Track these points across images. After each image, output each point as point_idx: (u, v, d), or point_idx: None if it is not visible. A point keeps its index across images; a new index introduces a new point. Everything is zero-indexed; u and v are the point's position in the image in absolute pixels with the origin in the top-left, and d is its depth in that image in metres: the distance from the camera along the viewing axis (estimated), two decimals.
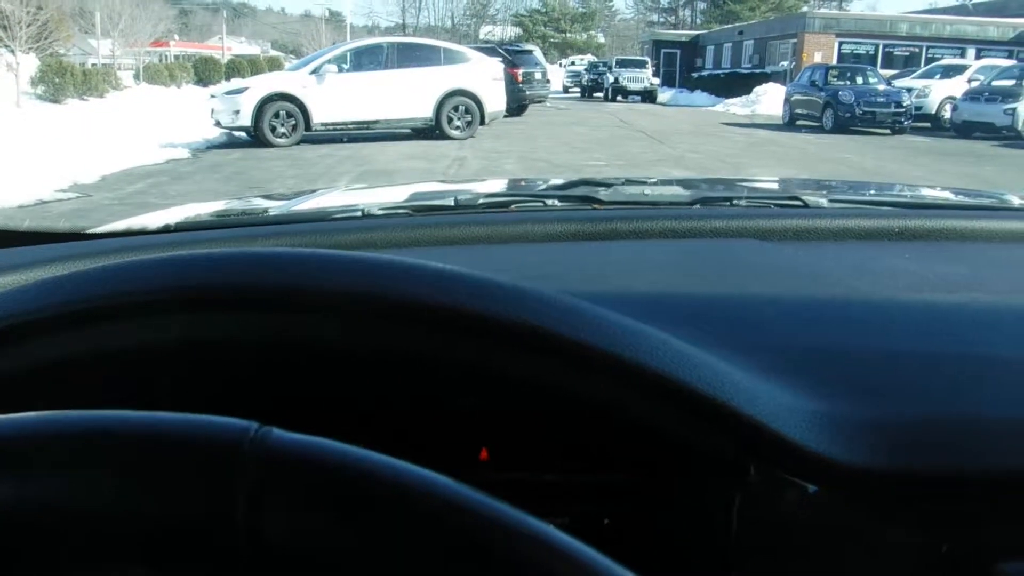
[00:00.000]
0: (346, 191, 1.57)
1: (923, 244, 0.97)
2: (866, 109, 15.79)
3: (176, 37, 52.33)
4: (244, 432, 0.32)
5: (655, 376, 0.50)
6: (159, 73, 30.24)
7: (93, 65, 27.23)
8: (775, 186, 1.74)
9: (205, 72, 31.75)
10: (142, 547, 0.31)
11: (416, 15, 67.23)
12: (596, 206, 1.06)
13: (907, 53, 25.39)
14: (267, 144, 11.66)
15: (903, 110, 15.93)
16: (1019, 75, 16.20)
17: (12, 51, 18.98)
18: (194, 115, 14.11)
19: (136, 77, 29.25)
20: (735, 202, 1.13)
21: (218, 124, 12.19)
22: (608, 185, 1.25)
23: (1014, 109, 15.07)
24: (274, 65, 34.69)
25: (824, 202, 1.12)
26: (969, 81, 17.65)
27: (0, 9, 19.23)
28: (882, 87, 16.71)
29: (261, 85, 12.35)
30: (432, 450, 0.55)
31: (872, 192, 1.55)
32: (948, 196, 1.43)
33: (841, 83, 16.85)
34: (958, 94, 16.78)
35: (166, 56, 43.03)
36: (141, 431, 0.33)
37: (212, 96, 12.91)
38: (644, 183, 1.41)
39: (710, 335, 0.60)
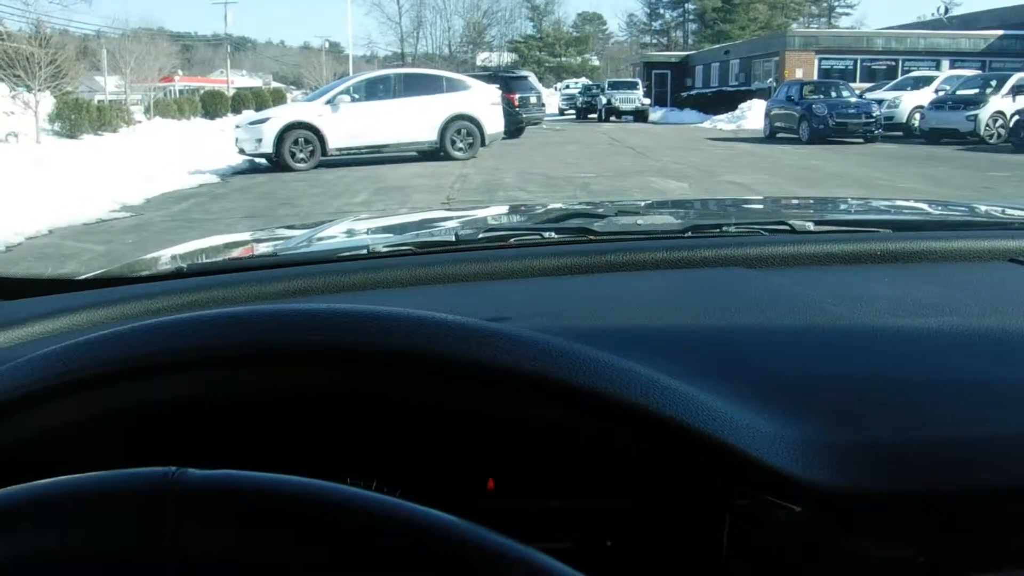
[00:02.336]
0: (357, 220, 1.64)
1: (903, 267, 1.01)
2: (838, 120, 17.08)
3: (180, 72, 53.74)
4: (165, 475, 0.39)
5: (644, 413, 0.55)
6: (168, 107, 31.42)
7: (100, 101, 28.27)
8: (763, 207, 1.78)
9: (212, 105, 32.98)
10: None
11: (415, 44, 68.96)
12: (591, 237, 1.11)
13: (884, 67, 26.72)
14: (287, 169, 12.87)
15: (873, 120, 17.23)
16: (982, 84, 17.51)
17: (30, 89, 20.13)
18: (211, 145, 15.35)
19: (147, 112, 30.40)
20: (724, 229, 1.18)
21: (242, 152, 13.45)
22: (602, 216, 1.30)
23: (975, 115, 16.34)
24: (278, 97, 36.06)
25: (811, 225, 1.16)
26: (936, 91, 18.97)
27: (20, 51, 20.50)
28: (853, 99, 18.05)
29: (281, 115, 13.65)
30: (444, 482, 0.63)
31: (857, 211, 1.61)
32: (927, 210, 1.49)
33: (815, 97, 18.14)
34: (926, 103, 18.09)
35: (172, 91, 44.15)
36: (83, 490, 0.40)
37: (236, 126, 14.16)
38: (637, 212, 1.46)
39: (697, 367, 0.65)
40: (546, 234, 1.17)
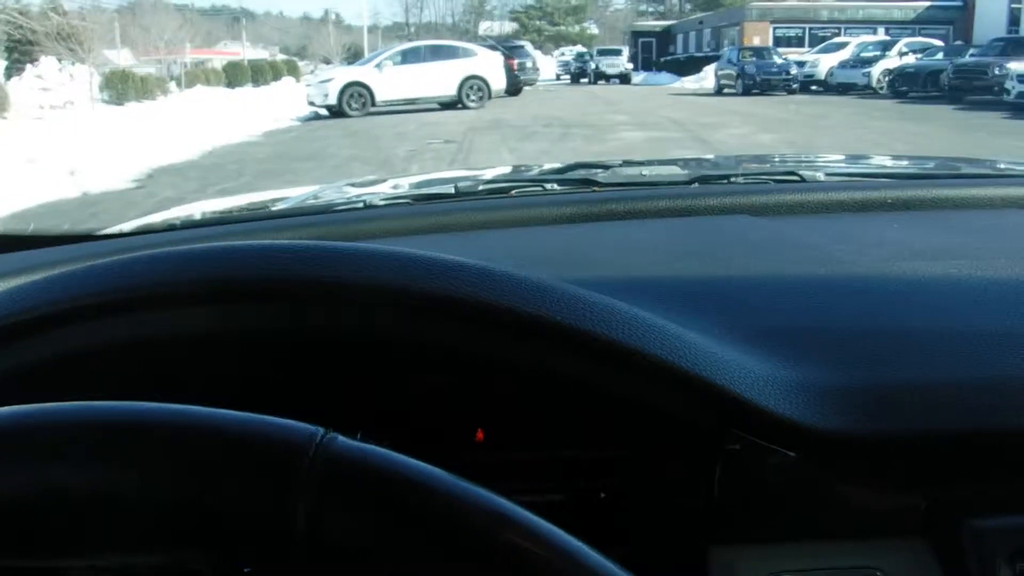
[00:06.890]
0: (359, 182, 1.69)
1: (916, 214, 1.03)
2: (764, 77, 23.06)
3: (188, 44, 58.93)
4: (311, 437, 0.37)
5: (627, 352, 0.54)
6: (197, 77, 36.79)
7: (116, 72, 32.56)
8: (773, 162, 1.79)
9: (233, 75, 38.46)
10: (204, 534, 0.35)
11: (419, 14, 74.23)
12: (595, 188, 1.13)
13: (829, 34, 32.23)
14: (345, 116, 18.69)
15: (791, 77, 23.22)
16: (881, 48, 23.49)
17: (81, 62, 24.84)
18: (262, 106, 20.87)
19: (178, 82, 35.62)
20: (732, 180, 1.20)
21: (311, 104, 19.38)
22: (606, 167, 1.33)
23: (869, 72, 22.38)
24: (292, 68, 41.78)
25: (821, 176, 1.18)
26: (851, 54, 24.98)
27: (75, 27, 25.79)
28: (778, 61, 24.06)
29: (342, 76, 19.67)
30: (429, 433, 0.61)
31: (870, 164, 1.68)
32: (946, 165, 1.53)
33: (750, 60, 24.14)
34: (837, 64, 24.11)
35: (183, 63, 49.25)
36: (213, 428, 0.37)
37: (307, 85, 20.19)
38: (642, 164, 1.49)
39: (696, 312, 0.65)
40: (548, 185, 1.19)
